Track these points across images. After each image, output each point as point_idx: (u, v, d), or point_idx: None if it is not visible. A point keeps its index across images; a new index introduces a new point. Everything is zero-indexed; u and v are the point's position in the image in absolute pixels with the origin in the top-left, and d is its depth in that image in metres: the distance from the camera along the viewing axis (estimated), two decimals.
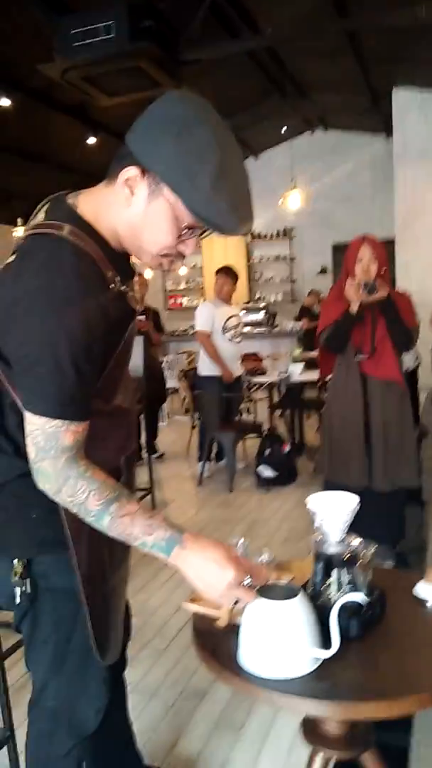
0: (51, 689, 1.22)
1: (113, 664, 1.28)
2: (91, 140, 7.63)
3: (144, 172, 0.99)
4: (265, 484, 4.61)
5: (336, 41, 6.16)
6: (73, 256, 0.99)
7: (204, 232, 1.06)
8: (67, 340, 0.95)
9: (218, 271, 4.95)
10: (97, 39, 4.63)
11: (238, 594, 1.03)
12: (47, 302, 0.96)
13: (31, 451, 1.00)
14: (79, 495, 0.99)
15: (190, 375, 5.33)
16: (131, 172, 0.99)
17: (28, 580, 1.14)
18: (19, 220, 7.46)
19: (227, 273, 4.90)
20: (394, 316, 2.66)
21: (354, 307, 2.64)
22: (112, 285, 1.05)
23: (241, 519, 3.98)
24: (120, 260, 1.09)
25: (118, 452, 1.20)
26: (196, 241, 1.06)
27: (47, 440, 0.98)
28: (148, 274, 6.79)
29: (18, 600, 1.15)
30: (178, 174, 0.95)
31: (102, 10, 4.61)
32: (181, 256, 1.08)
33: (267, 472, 4.62)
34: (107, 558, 1.17)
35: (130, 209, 1.02)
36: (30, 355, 0.97)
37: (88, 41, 4.65)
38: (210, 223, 0.99)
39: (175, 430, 6.79)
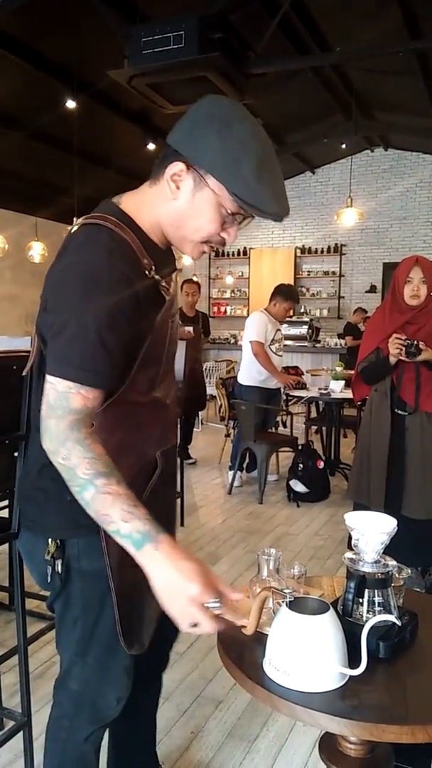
0: (76, 672, 1.24)
1: (151, 661, 1.31)
2: (151, 146, 7.76)
3: (189, 166, 1.07)
4: (295, 498, 4.58)
5: (405, 62, 6.13)
6: (110, 239, 1.06)
7: (244, 219, 1.12)
8: (93, 309, 1.02)
9: (291, 298, 4.82)
10: (167, 48, 4.72)
11: (196, 615, 0.96)
12: (80, 274, 1.04)
13: (43, 408, 1.04)
14: (72, 459, 1.00)
15: (228, 383, 5.35)
16: (177, 167, 1.07)
17: (60, 561, 1.16)
18: (76, 219, 7.63)
19: (297, 301, 4.93)
20: None
21: (392, 360, 2.60)
22: (147, 272, 1.10)
23: (268, 531, 3.97)
24: (158, 253, 1.15)
25: (154, 445, 1.22)
26: (237, 229, 1.13)
27: (57, 399, 1.02)
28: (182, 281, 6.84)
29: (49, 579, 1.19)
30: (223, 165, 1.03)
31: (173, 20, 4.70)
32: (223, 243, 1.14)
33: (299, 486, 4.59)
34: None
35: (176, 202, 1.09)
36: (59, 322, 1.04)
37: (157, 49, 4.75)
38: (253, 207, 1.05)
39: (209, 437, 6.81)
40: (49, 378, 1.04)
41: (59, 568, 1.17)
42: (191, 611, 0.97)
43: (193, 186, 1.07)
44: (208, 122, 1.04)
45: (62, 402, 1.02)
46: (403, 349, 2.54)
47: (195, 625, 0.98)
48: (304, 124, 8.61)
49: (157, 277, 1.12)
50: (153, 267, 1.11)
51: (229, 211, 1.08)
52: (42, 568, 1.19)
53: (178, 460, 1.36)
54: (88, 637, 1.21)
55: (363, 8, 5.56)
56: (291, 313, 4.91)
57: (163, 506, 1.26)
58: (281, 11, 5.13)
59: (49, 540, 1.17)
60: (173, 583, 0.97)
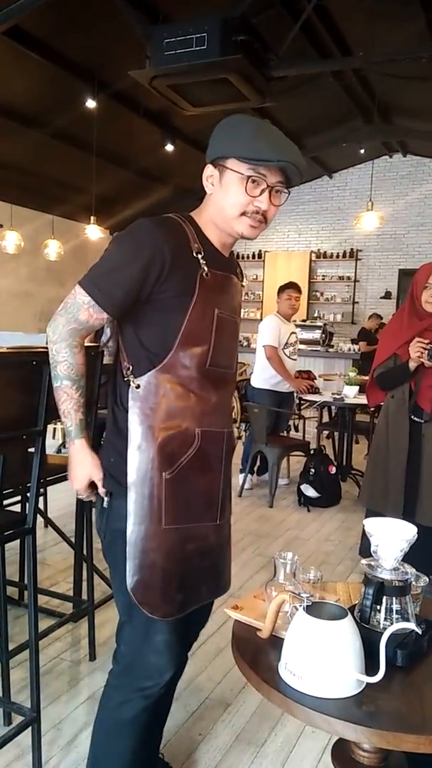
0: (124, 634, 1.39)
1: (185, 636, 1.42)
2: (169, 147, 7.77)
3: (214, 165, 1.34)
4: (306, 503, 4.56)
5: (427, 68, 6.09)
6: (167, 218, 1.34)
7: (267, 187, 1.30)
8: (119, 248, 1.31)
9: (289, 287, 4.88)
10: (189, 49, 4.72)
11: (78, 493, 1.40)
12: (129, 228, 1.32)
13: (61, 305, 1.32)
14: (58, 356, 1.31)
15: (241, 385, 5.34)
16: (207, 170, 1.36)
17: (105, 516, 1.39)
18: (92, 218, 7.66)
19: (298, 289, 4.88)
20: None
21: (412, 366, 2.58)
22: (193, 252, 1.32)
23: (278, 535, 3.95)
24: (211, 249, 1.37)
25: (194, 421, 1.34)
26: (267, 197, 1.31)
27: (72, 305, 1.30)
28: None
29: (103, 535, 1.41)
30: (229, 143, 1.29)
31: (196, 21, 4.70)
32: (259, 211, 1.32)
33: (310, 491, 4.57)
34: (176, 512, 1.31)
35: (214, 195, 1.35)
36: (103, 253, 1.34)
37: (179, 50, 4.75)
38: (257, 160, 1.27)
39: None
40: (76, 287, 1.31)
41: (104, 522, 1.39)
42: (75, 487, 1.39)
43: (219, 175, 1.33)
44: (220, 127, 1.34)
45: (74, 309, 1.30)
46: (425, 352, 2.52)
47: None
48: (323, 128, 8.59)
49: (202, 261, 1.32)
50: (202, 252, 1.33)
51: (247, 176, 1.29)
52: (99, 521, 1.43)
53: (228, 450, 1.46)
54: (129, 600, 1.31)
55: (386, 13, 5.53)
56: (297, 303, 4.85)
57: (200, 491, 1.35)
58: (304, 15, 5.12)
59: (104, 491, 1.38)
60: (70, 470, 1.39)
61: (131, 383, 1.32)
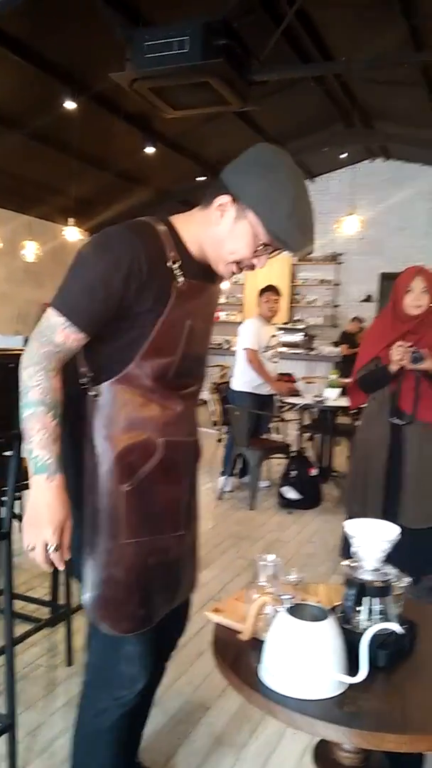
0: (93, 644, 1.36)
1: (157, 644, 1.37)
2: (149, 150, 7.76)
3: (234, 200, 1.23)
4: (287, 505, 4.56)
5: (408, 74, 6.17)
6: (141, 224, 1.26)
7: (274, 251, 1.28)
8: (93, 261, 1.20)
9: (268, 289, 4.92)
10: (170, 52, 4.72)
11: (37, 547, 1.16)
12: (100, 237, 1.23)
13: (34, 330, 1.22)
14: (33, 380, 1.17)
15: (222, 388, 5.34)
16: (224, 199, 1.24)
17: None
18: (71, 220, 7.61)
19: (277, 291, 4.91)
20: None
21: (393, 368, 2.60)
22: (168, 261, 1.24)
23: (259, 538, 3.95)
24: (190, 259, 1.30)
25: (156, 431, 1.29)
26: (267, 258, 1.29)
27: (47, 327, 1.20)
28: None
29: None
30: (262, 204, 1.20)
31: (177, 25, 4.70)
32: (252, 267, 1.30)
33: (291, 493, 4.57)
34: (135, 525, 1.26)
35: (219, 227, 1.26)
36: (70, 266, 1.22)
37: (161, 53, 4.75)
38: (283, 242, 1.22)
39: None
40: (48, 309, 1.21)
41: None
42: (36, 541, 1.17)
43: (235, 216, 1.24)
44: (257, 166, 1.23)
45: (49, 332, 1.20)
46: (407, 355, 2.54)
47: (32, 550, 1.18)
48: (305, 132, 8.65)
49: (177, 271, 1.25)
50: (179, 262, 1.26)
51: (262, 242, 1.25)
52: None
53: (194, 459, 1.42)
54: None
55: (367, 19, 5.59)
56: (276, 306, 4.88)
57: (163, 502, 1.30)
58: (285, 20, 5.15)
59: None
60: (40, 514, 1.16)
61: (89, 392, 1.25)
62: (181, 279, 1.26)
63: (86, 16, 5.15)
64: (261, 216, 1.21)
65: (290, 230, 1.20)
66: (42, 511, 1.16)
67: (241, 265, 1.29)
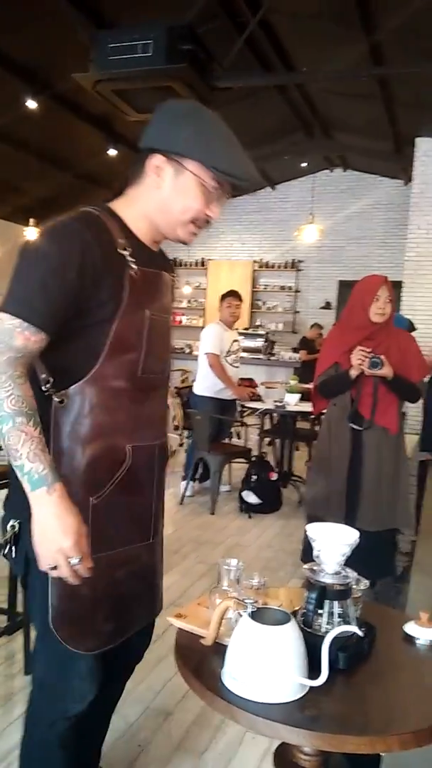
0: (39, 658, 1.29)
1: (120, 654, 1.33)
2: (112, 152, 7.72)
3: (167, 157, 1.21)
4: (247, 509, 4.58)
5: (367, 86, 6.31)
6: (84, 214, 1.20)
7: (223, 193, 1.25)
8: (43, 256, 1.14)
9: (230, 295, 4.95)
10: (134, 55, 4.71)
11: (59, 561, 1.08)
12: (45, 232, 1.18)
13: None
14: (1, 392, 1.07)
15: (183, 393, 5.33)
16: (157, 159, 1.21)
17: (12, 545, 1.21)
18: (32, 221, 7.49)
19: (238, 297, 4.94)
20: (401, 386, 2.67)
21: (353, 374, 2.64)
22: (118, 248, 1.20)
23: (220, 542, 3.96)
24: (138, 245, 1.25)
25: (125, 437, 1.23)
26: (220, 204, 1.26)
27: (2, 333, 1.10)
28: None
29: (14, 561, 1.22)
30: (198, 146, 1.19)
31: (142, 28, 4.70)
32: (208, 220, 1.27)
33: (251, 498, 4.60)
34: (102, 538, 1.20)
35: (161, 191, 1.23)
36: (16, 265, 1.15)
37: (124, 56, 4.73)
38: (229, 175, 1.20)
39: None
40: (0, 313, 1.12)
41: (13, 552, 1.20)
42: (56, 557, 1.08)
43: (174, 172, 1.21)
44: (177, 117, 1.22)
45: (5, 338, 1.09)
46: (366, 360, 2.59)
47: (54, 568, 1.10)
48: (267, 140, 8.74)
49: (129, 257, 1.20)
50: (129, 249, 1.21)
51: (210, 186, 1.22)
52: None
53: (161, 463, 1.37)
54: (46, 626, 1.21)
55: (329, 33, 5.70)
56: (238, 311, 4.92)
57: (131, 511, 1.27)
58: (248, 29, 5.20)
59: (11, 521, 1.20)
60: (51, 529, 1.08)
61: (53, 398, 1.16)
62: (134, 267, 1.21)
63: (49, 15, 5.09)
64: (201, 158, 1.19)
65: (233, 160, 1.20)
66: (53, 526, 1.07)
67: (197, 223, 1.26)
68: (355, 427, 2.70)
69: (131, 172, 1.26)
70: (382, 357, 2.60)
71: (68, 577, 1.10)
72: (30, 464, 1.06)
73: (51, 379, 1.17)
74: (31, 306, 1.10)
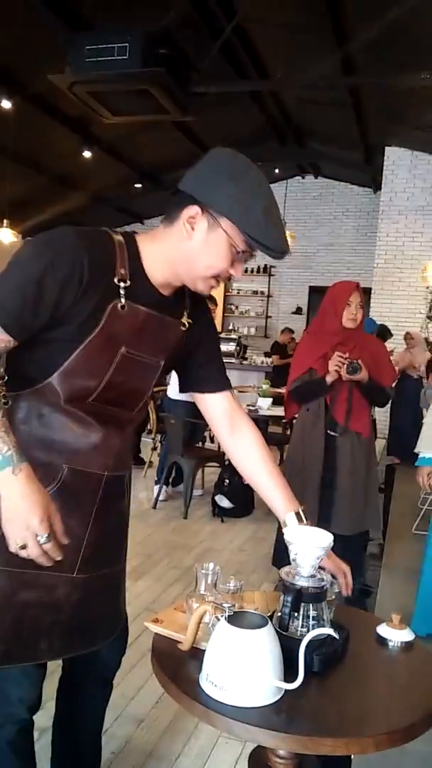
0: None
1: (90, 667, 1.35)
2: (87, 154, 7.68)
3: (203, 210, 1.17)
4: (220, 513, 4.60)
5: (339, 96, 6.41)
6: (99, 234, 1.20)
7: (250, 257, 1.23)
8: (30, 260, 1.13)
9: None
10: (111, 58, 4.71)
11: (28, 539, 1.07)
12: (45, 238, 1.16)
13: None
14: None
15: (157, 396, 5.32)
16: (193, 210, 1.17)
17: None
18: (5, 222, 7.41)
19: (214, 301, 4.96)
20: (374, 391, 2.72)
21: (329, 379, 2.67)
22: (116, 278, 1.17)
23: (193, 547, 3.96)
24: (142, 283, 1.22)
25: (60, 458, 1.20)
26: (242, 265, 1.23)
27: None
28: None
29: None
30: (236, 208, 1.15)
31: (118, 31, 4.70)
32: (229, 278, 1.26)
33: (224, 502, 4.61)
34: (11, 552, 1.14)
35: (190, 242, 1.19)
36: (7, 263, 1.14)
37: (101, 58, 4.73)
38: (262, 245, 1.17)
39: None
40: None
41: None
42: (24, 536, 1.08)
43: (207, 228, 1.17)
44: (221, 172, 1.17)
45: None
46: (344, 366, 2.62)
47: (23, 548, 1.09)
48: (240, 146, 8.57)
49: (122, 291, 1.18)
50: (127, 282, 1.18)
51: (239, 250, 1.19)
52: None
53: (107, 495, 1.28)
54: None
55: (303, 42, 5.78)
56: (213, 315, 4.94)
57: (72, 531, 1.19)
58: (223, 35, 5.24)
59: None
60: (18, 508, 1.07)
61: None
62: (122, 300, 1.18)
63: (25, 14, 5.05)
64: (237, 221, 1.15)
65: (267, 231, 1.16)
66: (19, 505, 1.07)
67: (219, 278, 1.24)
68: (330, 433, 2.73)
69: (167, 210, 1.22)
70: (359, 361, 2.63)
71: (38, 557, 1.09)
72: None
73: (5, 377, 1.16)
74: (5, 307, 1.10)
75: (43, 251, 1.13)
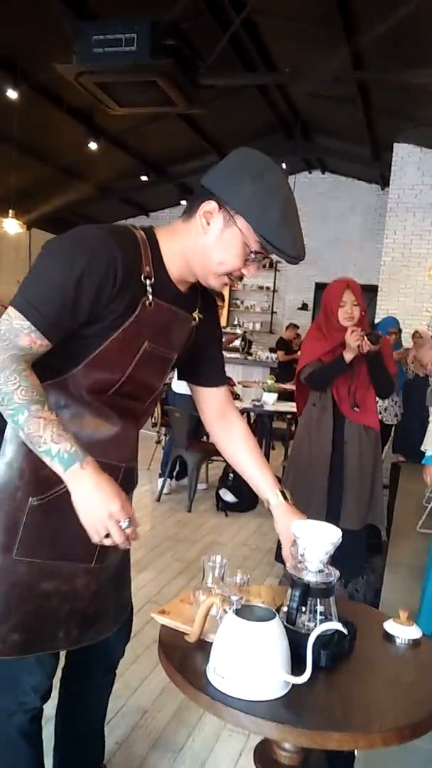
0: None
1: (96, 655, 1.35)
2: (92, 145, 7.66)
3: (221, 206, 1.17)
4: (224, 508, 4.60)
5: (347, 91, 6.37)
6: (128, 233, 1.20)
7: (264, 259, 1.24)
8: (63, 261, 1.12)
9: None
10: (118, 49, 4.69)
11: (111, 526, 1.07)
12: (80, 234, 1.16)
13: None
14: (9, 385, 1.06)
15: (162, 390, 5.32)
16: (210, 205, 1.18)
17: None
18: (11, 212, 7.40)
19: (222, 297, 4.95)
20: (381, 366, 2.71)
21: (348, 357, 2.64)
22: (142, 276, 1.19)
23: (197, 540, 3.96)
24: (163, 279, 1.23)
25: (81, 444, 1.16)
26: (257, 266, 1.23)
27: (9, 331, 1.09)
28: None
29: None
30: (253, 208, 1.15)
31: (126, 22, 4.68)
32: (241, 277, 1.25)
33: (228, 496, 4.62)
34: (35, 544, 1.19)
35: (206, 236, 1.20)
36: (37, 261, 1.14)
37: (109, 49, 4.71)
38: (275, 248, 1.16)
39: (140, 443, 6.73)
40: (9, 311, 1.10)
41: None
42: (108, 524, 1.07)
43: (223, 224, 1.18)
44: (243, 170, 1.16)
45: (11, 336, 1.09)
46: (364, 338, 2.59)
47: (107, 536, 1.09)
48: (247, 139, 8.76)
49: (149, 288, 1.19)
50: (152, 278, 1.20)
51: (253, 250, 1.19)
52: None
53: (123, 487, 1.24)
54: None
55: (312, 36, 5.74)
56: (220, 310, 4.93)
57: (75, 526, 1.14)
58: (232, 27, 5.21)
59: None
60: (95, 500, 1.07)
61: None
62: (150, 297, 1.19)
63: (32, 4, 5.03)
64: (252, 222, 1.15)
65: (282, 234, 1.15)
66: (95, 497, 1.06)
67: (231, 276, 1.23)
68: (337, 425, 2.71)
69: (188, 202, 1.24)
70: (379, 332, 2.62)
71: (123, 542, 1.09)
72: (57, 446, 1.05)
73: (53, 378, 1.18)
74: (41, 311, 1.09)
75: (78, 253, 1.11)
